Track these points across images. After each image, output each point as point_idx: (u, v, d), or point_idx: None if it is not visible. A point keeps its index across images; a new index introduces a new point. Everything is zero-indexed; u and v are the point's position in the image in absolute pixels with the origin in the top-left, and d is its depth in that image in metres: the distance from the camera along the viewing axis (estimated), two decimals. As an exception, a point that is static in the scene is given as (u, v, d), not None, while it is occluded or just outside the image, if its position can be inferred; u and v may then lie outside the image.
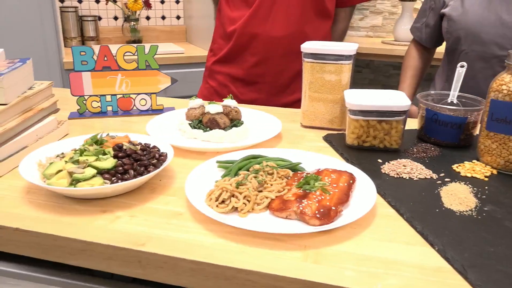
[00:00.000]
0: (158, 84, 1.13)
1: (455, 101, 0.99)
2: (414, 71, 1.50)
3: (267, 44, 1.34)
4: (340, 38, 1.54)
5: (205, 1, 2.46)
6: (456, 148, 0.94)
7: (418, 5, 2.52)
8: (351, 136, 0.92)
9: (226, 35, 1.42)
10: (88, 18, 2.64)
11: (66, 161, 0.72)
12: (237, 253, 0.57)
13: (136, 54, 1.09)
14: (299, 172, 0.76)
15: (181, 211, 0.67)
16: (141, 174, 0.72)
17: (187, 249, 0.57)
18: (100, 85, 1.10)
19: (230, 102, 1.02)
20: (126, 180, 0.70)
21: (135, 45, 1.09)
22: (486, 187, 0.76)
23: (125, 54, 1.10)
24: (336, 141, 0.97)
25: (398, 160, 0.86)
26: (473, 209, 0.68)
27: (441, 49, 1.46)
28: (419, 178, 0.79)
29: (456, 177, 0.80)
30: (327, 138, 0.99)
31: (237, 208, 0.65)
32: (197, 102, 1.02)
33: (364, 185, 0.72)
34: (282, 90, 1.43)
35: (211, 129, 0.95)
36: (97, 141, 0.78)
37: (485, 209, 0.69)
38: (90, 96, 1.11)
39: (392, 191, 0.74)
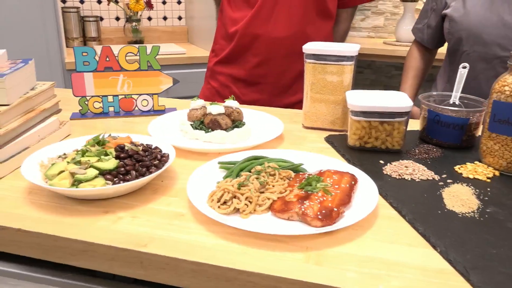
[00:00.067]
0: (160, 85, 1.14)
1: (457, 102, 0.99)
2: (415, 72, 1.49)
3: (269, 44, 1.34)
4: (342, 38, 1.54)
5: (207, 2, 2.46)
6: (458, 149, 0.94)
7: (420, 5, 2.51)
8: (353, 137, 0.92)
9: (228, 35, 1.42)
10: (90, 19, 2.65)
11: (68, 162, 0.72)
12: (239, 254, 0.57)
13: (138, 54, 1.10)
14: (301, 173, 0.76)
15: (183, 212, 0.67)
16: (143, 175, 0.72)
17: (189, 250, 0.57)
18: (102, 86, 1.10)
19: (232, 103, 1.02)
20: (128, 181, 0.70)
21: (137, 45, 1.09)
22: (489, 189, 0.76)
23: (127, 55, 1.10)
24: (338, 142, 0.97)
25: (400, 161, 0.85)
26: (475, 211, 0.68)
27: (442, 50, 1.46)
28: (421, 179, 0.79)
29: (458, 178, 0.80)
30: (329, 139, 0.99)
31: (239, 209, 0.65)
32: (198, 103, 1.02)
33: (366, 186, 0.72)
34: (284, 91, 1.42)
35: (213, 130, 0.95)
36: (99, 142, 0.78)
37: (488, 210, 0.68)
38: (92, 96, 1.11)
39: (394, 192, 0.73)
